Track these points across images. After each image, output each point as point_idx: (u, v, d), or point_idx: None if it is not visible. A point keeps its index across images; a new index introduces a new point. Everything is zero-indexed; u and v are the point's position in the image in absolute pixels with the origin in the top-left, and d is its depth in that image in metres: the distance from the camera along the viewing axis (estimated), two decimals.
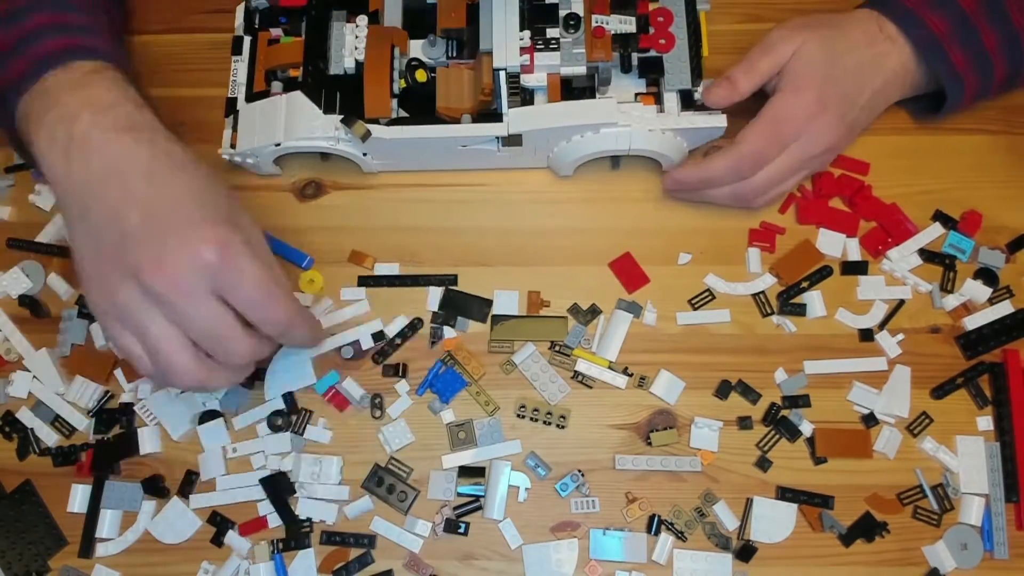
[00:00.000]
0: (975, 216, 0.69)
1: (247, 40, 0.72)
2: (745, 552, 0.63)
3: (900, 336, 0.67)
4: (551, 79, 0.68)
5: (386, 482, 0.65)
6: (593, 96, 0.68)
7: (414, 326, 0.69)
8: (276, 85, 0.69)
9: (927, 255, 0.69)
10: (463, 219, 0.72)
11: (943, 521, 0.64)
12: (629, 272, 0.70)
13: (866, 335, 0.68)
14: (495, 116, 0.67)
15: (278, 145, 0.67)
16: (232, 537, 0.65)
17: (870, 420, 0.66)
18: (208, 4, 0.77)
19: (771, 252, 0.70)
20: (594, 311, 0.69)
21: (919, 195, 0.71)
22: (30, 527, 0.66)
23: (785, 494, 0.64)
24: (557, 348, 0.68)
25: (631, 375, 0.67)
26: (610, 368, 0.67)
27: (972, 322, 0.67)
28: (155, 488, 0.66)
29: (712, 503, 0.64)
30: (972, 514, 0.63)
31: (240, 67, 0.71)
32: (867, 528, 0.63)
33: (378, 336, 0.68)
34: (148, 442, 0.67)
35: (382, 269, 0.70)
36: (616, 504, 0.65)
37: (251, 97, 0.70)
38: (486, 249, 0.71)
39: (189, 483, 0.66)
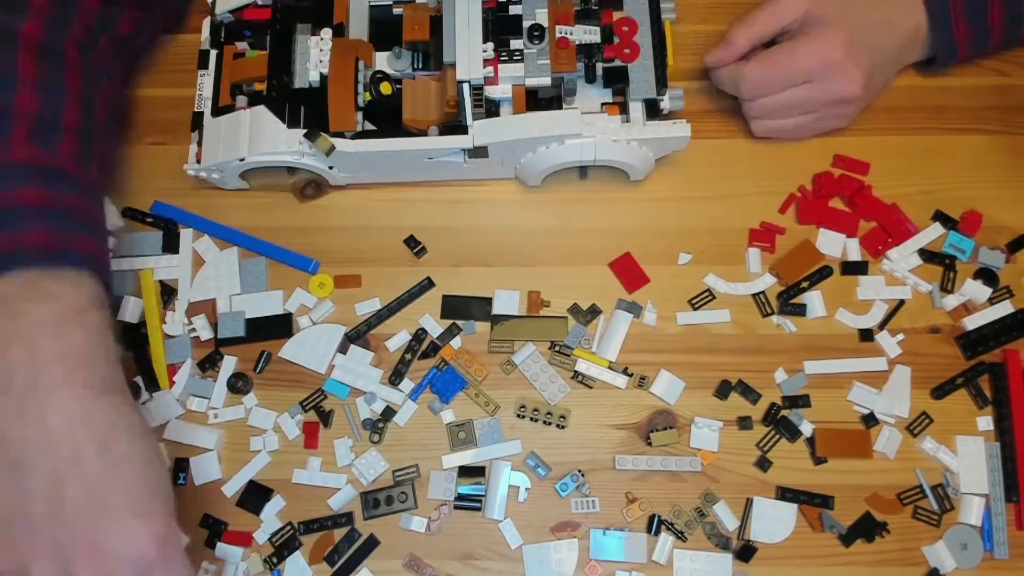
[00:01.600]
0: (975, 216, 0.69)
1: (213, 54, 0.71)
2: (745, 552, 0.63)
3: (900, 336, 0.67)
4: (516, 90, 0.68)
5: (382, 500, 0.65)
6: (560, 106, 0.68)
7: (419, 337, 0.69)
8: (241, 99, 0.69)
9: (927, 255, 0.69)
10: (463, 219, 0.72)
11: (943, 521, 0.64)
12: (629, 272, 0.70)
13: (866, 335, 0.68)
14: (461, 128, 0.66)
15: (242, 160, 0.67)
16: (222, 548, 0.65)
17: (870, 420, 0.66)
18: (206, 4, 0.77)
19: (771, 252, 0.70)
20: (594, 311, 0.69)
21: (919, 195, 0.71)
22: None
23: (785, 494, 0.64)
24: (557, 348, 0.68)
25: (631, 375, 0.67)
26: (610, 368, 0.67)
27: (972, 322, 0.67)
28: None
29: (712, 503, 0.64)
30: (972, 514, 0.63)
31: (206, 81, 0.71)
32: (867, 528, 0.63)
33: None
34: None
35: (363, 308, 0.70)
36: (616, 504, 0.65)
37: (216, 111, 0.69)
38: (486, 249, 0.71)
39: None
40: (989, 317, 0.67)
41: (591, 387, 0.67)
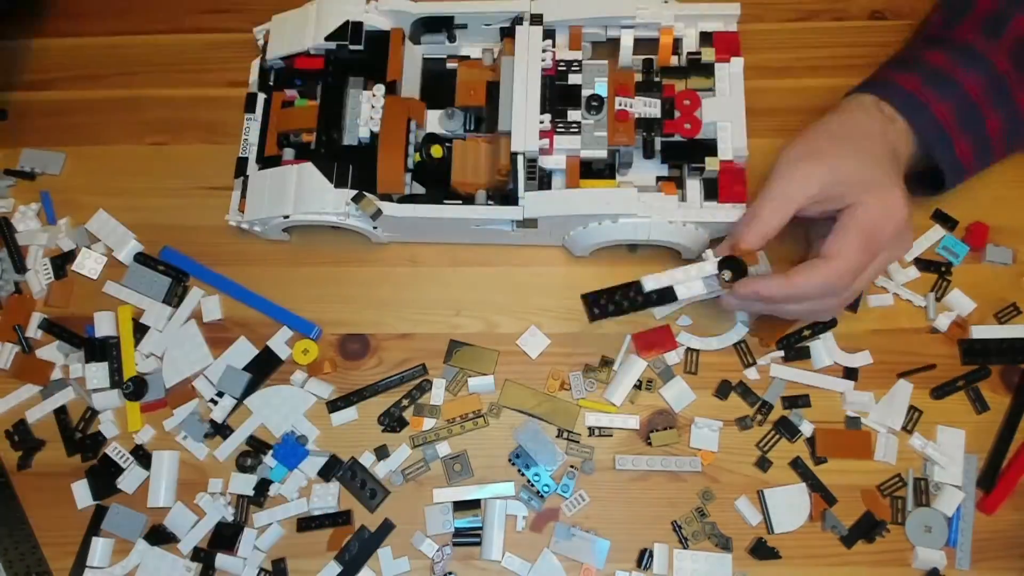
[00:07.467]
0: (981, 228, 0.69)
1: (260, 98, 0.69)
2: (763, 551, 0.64)
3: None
4: (570, 161, 0.66)
5: (359, 476, 0.66)
6: (613, 174, 0.65)
7: (422, 388, 0.68)
8: (288, 152, 0.67)
9: (922, 264, 0.69)
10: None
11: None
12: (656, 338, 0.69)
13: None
14: (511, 197, 0.64)
15: (287, 217, 0.65)
16: (223, 559, 0.65)
17: (853, 423, 0.66)
18: (205, 4, 0.76)
19: None
20: (607, 363, 0.68)
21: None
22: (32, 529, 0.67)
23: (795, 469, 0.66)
24: (565, 436, 0.67)
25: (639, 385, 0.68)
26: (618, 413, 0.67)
27: (979, 331, 0.67)
28: (165, 537, 0.66)
29: (710, 500, 0.65)
30: (946, 504, 0.64)
31: (252, 126, 0.68)
32: (867, 528, 0.64)
33: None
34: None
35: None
36: (616, 504, 0.66)
37: (262, 160, 0.67)
38: (486, 249, 0.71)
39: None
40: (997, 332, 0.67)
41: (611, 435, 0.67)
